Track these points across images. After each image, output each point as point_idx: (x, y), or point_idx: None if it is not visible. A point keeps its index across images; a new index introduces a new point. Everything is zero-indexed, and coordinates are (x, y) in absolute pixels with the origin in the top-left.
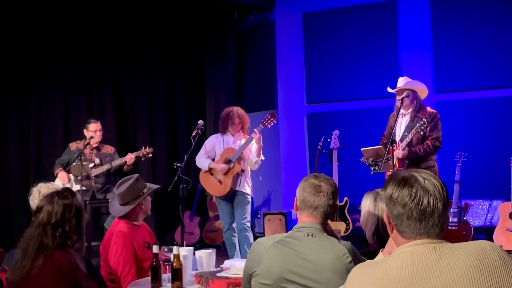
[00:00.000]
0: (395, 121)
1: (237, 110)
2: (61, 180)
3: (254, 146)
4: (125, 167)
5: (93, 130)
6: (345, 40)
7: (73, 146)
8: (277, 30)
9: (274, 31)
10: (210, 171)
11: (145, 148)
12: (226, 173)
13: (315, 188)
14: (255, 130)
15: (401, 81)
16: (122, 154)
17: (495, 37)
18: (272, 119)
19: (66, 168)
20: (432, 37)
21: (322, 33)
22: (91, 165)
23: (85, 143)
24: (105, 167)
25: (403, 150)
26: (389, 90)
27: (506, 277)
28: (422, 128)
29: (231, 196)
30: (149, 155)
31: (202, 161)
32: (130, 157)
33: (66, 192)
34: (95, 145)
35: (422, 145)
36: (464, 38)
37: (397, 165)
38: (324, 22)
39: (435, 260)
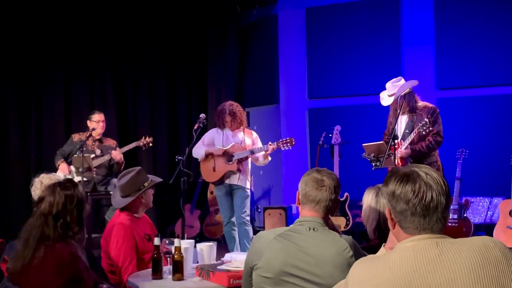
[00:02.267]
0: (396, 119)
1: (230, 107)
2: (62, 172)
3: (261, 153)
4: (115, 166)
5: (97, 121)
6: (348, 36)
7: (75, 137)
8: (280, 24)
9: (277, 26)
10: (213, 158)
11: (145, 137)
12: (224, 164)
13: (317, 183)
14: (270, 145)
15: (391, 88)
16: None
17: (498, 34)
18: (289, 144)
19: (68, 159)
20: (435, 34)
21: (325, 28)
22: (92, 155)
23: (88, 134)
24: (106, 157)
25: (405, 149)
26: (385, 104)
27: (508, 273)
28: (424, 128)
29: (230, 190)
30: (149, 145)
31: (197, 150)
32: (115, 154)
33: (68, 183)
34: (97, 137)
35: (424, 141)
36: (467, 35)
37: (400, 164)
38: (327, 17)
39: (437, 255)
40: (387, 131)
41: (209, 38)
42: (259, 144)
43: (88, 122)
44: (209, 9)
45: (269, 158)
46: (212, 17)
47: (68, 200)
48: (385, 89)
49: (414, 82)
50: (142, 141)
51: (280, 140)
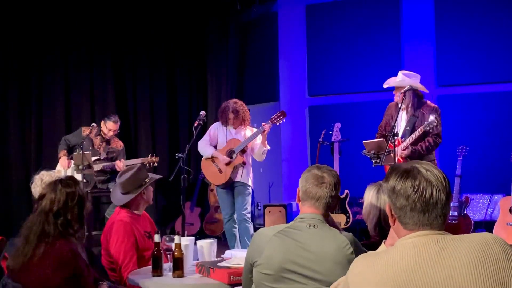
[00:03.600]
0: (397, 114)
1: (233, 105)
2: (62, 166)
3: (259, 138)
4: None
5: (108, 128)
6: (348, 33)
7: (85, 131)
8: (280, 21)
9: (277, 23)
10: (212, 159)
11: (152, 156)
12: (227, 164)
13: (317, 179)
14: (264, 125)
15: (400, 76)
16: (124, 144)
17: (499, 31)
18: (281, 117)
19: (71, 151)
20: (436, 31)
21: (325, 26)
22: (94, 158)
23: (89, 132)
24: (108, 164)
25: (406, 149)
26: (386, 85)
27: (508, 269)
28: (431, 126)
29: (232, 187)
30: (154, 164)
31: (205, 148)
32: (119, 165)
33: (69, 181)
34: (106, 138)
35: (424, 142)
36: (467, 31)
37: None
38: (327, 14)
39: (438, 251)
40: (383, 123)
41: (209, 35)
42: (258, 140)
43: (102, 122)
44: (209, 6)
45: (268, 147)
46: (212, 14)
47: (69, 197)
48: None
49: (421, 86)
50: (148, 160)
51: (272, 117)
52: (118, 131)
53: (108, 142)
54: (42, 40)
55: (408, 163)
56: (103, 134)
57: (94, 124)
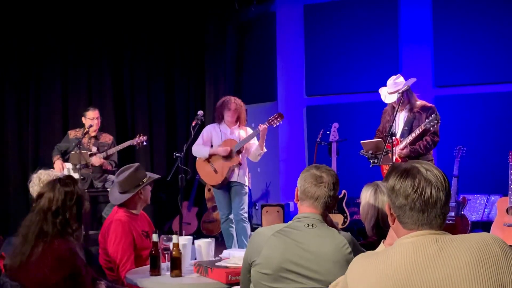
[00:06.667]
0: (394, 116)
1: (233, 97)
2: (56, 169)
3: (255, 139)
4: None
5: (91, 118)
6: (346, 33)
7: (71, 134)
8: (278, 21)
9: (275, 23)
10: (208, 159)
11: (139, 136)
12: (223, 162)
13: (316, 179)
14: (260, 126)
15: (392, 85)
16: (121, 143)
17: (496, 32)
18: (278, 119)
19: (64, 156)
20: (433, 31)
21: (323, 26)
22: (89, 153)
23: (84, 132)
24: (101, 155)
25: (404, 149)
26: (388, 101)
27: (507, 269)
28: (432, 124)
29: (229, 187)
30: (143, 143)
31: (200, 149)
32: (96, 160)
33: (68, 180)
34: (93, 134)
35: (422, 141)
36: (464, 32)
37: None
38: (325, 15)
39: (437, 251)
40: (381, 127)
41: (207, 35)
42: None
43: (83, 118)
44: (207, 6)
45: (265, 149)
46: (211, 13)
47: (67, 196)
48: (384, 85)
49: (413, 80)
50: (137, 140)
51: (269, 118)
52: (101, 118)
53: (96, 137)
54: (40, 38)
55: (408, 163)
56: (90, 131)
57: (91, 124)
